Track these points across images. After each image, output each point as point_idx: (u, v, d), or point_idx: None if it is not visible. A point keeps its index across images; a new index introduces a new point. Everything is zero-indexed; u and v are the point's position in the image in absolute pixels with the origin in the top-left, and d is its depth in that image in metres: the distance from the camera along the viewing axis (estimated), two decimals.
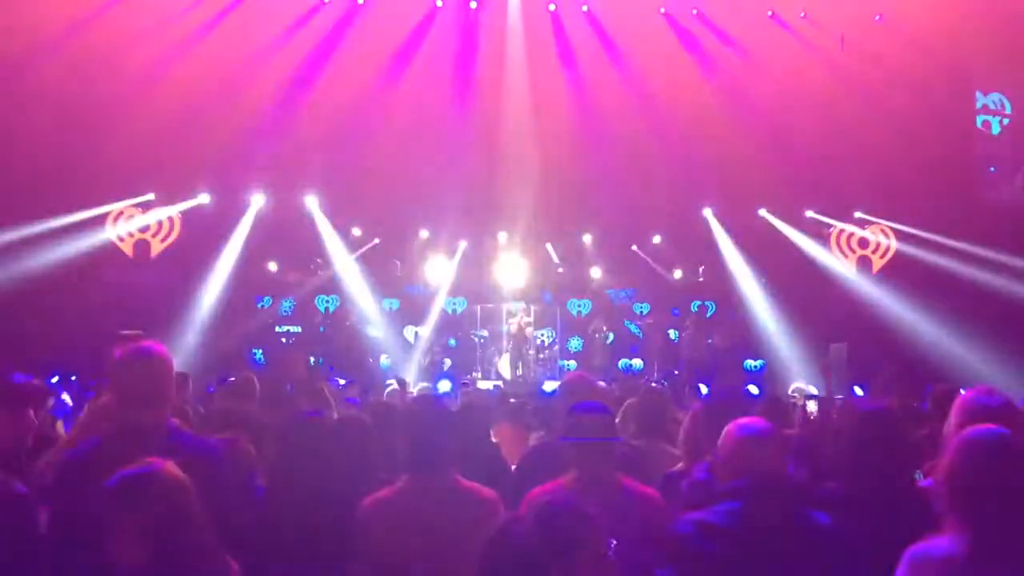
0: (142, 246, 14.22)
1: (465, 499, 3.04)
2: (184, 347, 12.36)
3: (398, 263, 15.99)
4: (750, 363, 15.54)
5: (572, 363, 15.77)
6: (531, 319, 15.04)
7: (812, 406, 6.77)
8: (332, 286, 15.74)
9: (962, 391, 3.37)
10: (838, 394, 8.55)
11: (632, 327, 16.36)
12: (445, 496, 3.02)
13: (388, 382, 8.88)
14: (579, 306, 16.49)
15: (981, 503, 2.15)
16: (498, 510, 3.01)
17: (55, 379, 8.29)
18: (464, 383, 11.96)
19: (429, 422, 3.19)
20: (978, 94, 15.17)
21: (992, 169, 15.39)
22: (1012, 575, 2.14)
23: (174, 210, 14.46)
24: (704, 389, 9.95)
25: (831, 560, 2.51)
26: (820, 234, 15.55)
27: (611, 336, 15.92)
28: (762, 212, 15.60)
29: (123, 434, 2.89)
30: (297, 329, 15.65)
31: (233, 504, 2.93)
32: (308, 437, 3.35)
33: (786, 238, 15.45)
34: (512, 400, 7.67)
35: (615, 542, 2.06)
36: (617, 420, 4.12)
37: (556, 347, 15.68)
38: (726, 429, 2.73)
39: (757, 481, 2.56)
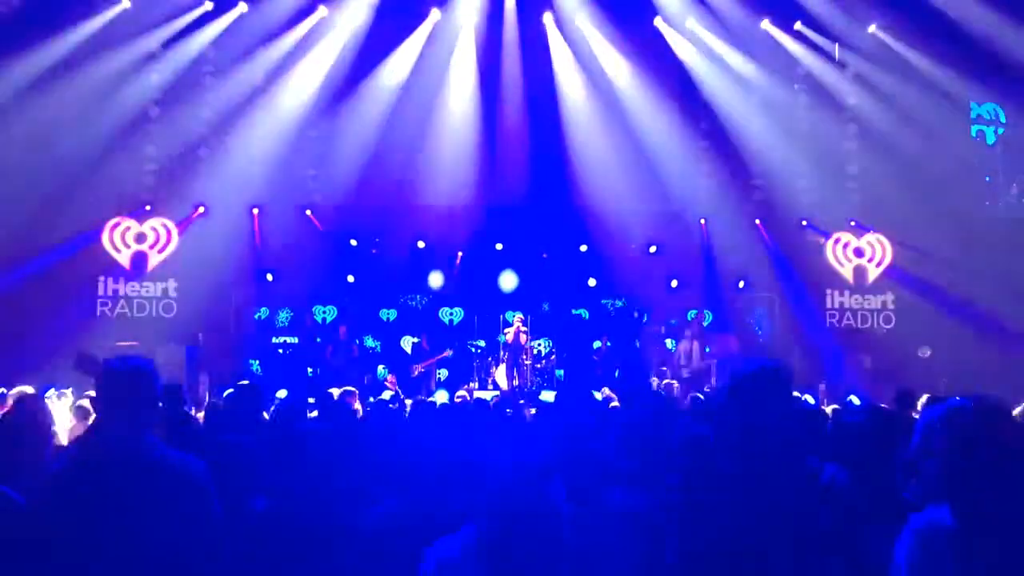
0: (139, 258, 14.17)
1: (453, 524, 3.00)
2: (180, 358, 12.31)
3: (395, 273, 15.94)
4: None
5: None
6: (528, 328, 14.99)
7: None
8: (329, 296, 15.71)
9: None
10: (833, 403, 8.55)
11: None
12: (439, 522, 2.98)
13: (385, 393, 8.86)
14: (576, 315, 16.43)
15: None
16: None
17: (50, 391, 8.27)
18: (462, 393, 11.91)
19: (434, 447, 3.14)
20: (973, 104, 15.21)
21: (987, 179, 15.43)
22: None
23: (171, 222, 14.42)
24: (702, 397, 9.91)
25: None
26: (816, 243, 15.54)
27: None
28: (758, 221, 15.61)
29: (98, 448, 2.84)
30: (294, 340, 15.58)
31: (217, 524, 2.87)
32: (305, 450, 3.33)
33: (782, 247, 15.44)
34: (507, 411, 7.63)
35: None
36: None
37: (553, 357, 15.63)
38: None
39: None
